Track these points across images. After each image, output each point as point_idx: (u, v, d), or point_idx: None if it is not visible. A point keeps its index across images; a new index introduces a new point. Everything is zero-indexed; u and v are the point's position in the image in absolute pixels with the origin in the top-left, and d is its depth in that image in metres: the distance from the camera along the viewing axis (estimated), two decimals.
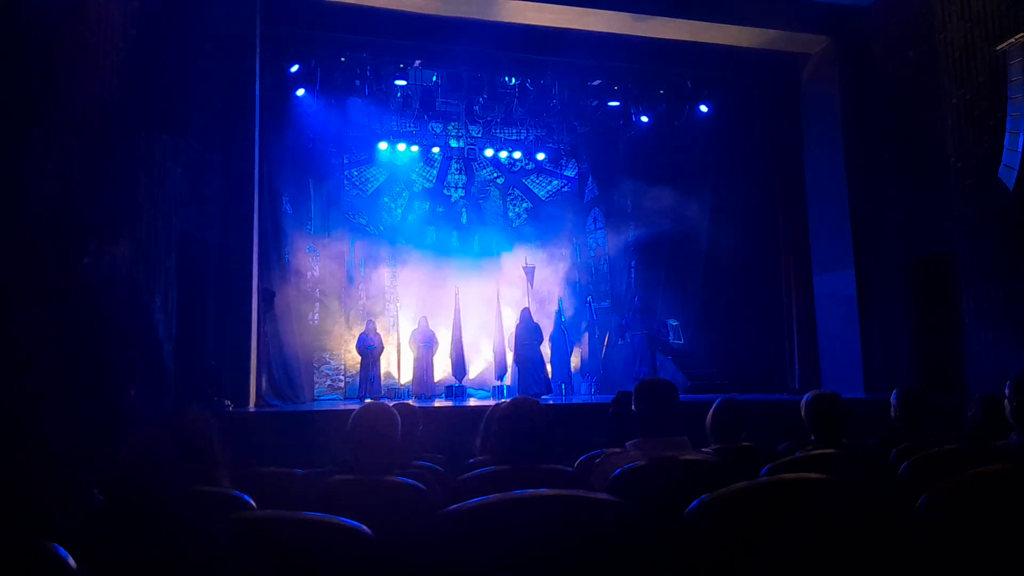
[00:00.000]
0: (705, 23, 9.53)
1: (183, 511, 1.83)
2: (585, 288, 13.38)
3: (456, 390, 11.17)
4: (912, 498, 1.83)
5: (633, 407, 2.82)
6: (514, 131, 13.29)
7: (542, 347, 12.16)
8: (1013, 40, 6.89)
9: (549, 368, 11.99)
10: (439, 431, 4.95)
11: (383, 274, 12.74)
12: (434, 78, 11.44)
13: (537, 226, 13.59)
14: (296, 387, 10.16)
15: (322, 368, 11.95)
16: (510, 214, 13.80)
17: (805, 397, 3.38)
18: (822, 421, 3.26)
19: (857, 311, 9.43)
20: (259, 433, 6.64)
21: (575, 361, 12.68)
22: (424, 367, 11.38)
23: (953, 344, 7.93)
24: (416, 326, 11.72)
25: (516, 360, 10.98)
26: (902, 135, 8.82)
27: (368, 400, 9.55)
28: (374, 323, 11.50)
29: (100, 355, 5.51)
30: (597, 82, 11.30)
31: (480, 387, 12.06)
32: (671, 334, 11.53)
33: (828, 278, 10.10)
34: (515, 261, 12.79)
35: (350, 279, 12.43)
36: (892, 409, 3.55)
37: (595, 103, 11.83)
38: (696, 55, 10.48)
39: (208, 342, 7.94)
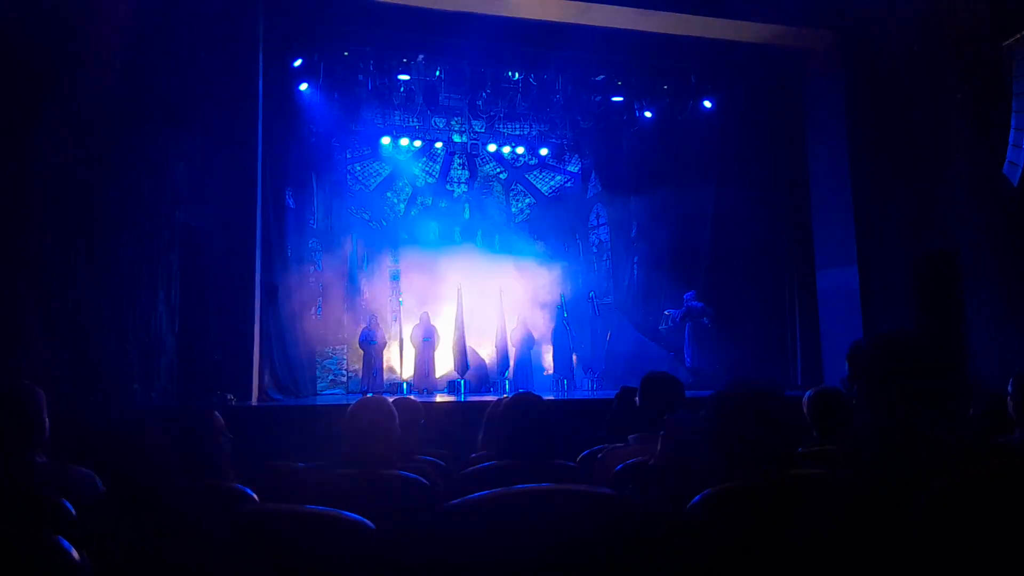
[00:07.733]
0: (709, 18, 9.49)
1: (186, 504, 1.83)
2: (587, 284, 13.36)
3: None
4: (913, 494, 1.83)
5: (637, 401, 2.82)
6: (517, 126, 13.24)
7: (544, 342, 12.18)
8: (1019, 36, 6.86)
9: (551, 363, 12.00)
10: (441, 426, 4.95)
11: (385, 269, 12.72)
12: (437, 72, 11.41)
13: (540, 221, 13.57)
14: (298, 381, 10.15)
15: (324, 362, 11.93)
16: (513, 209, 13.78)
17: (807, 393, 3.38)
18: (824, 417, 3.26)
19: (860, 307, 9.42)
20: (261, 427, 6.66)
21: (577, 357, 12.67)
22: (425, 362, 11.37)
23: (956, 340, 7.91)
24: (417, 321, 11.71)
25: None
26: (906, 130, 8.80)
27: (370, 395, 9.56)
28: (376, 318, 11.50)
29: (104, 349, 5.53)
30: (600, 77, 11.28)
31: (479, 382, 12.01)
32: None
33: (831, 273, 10.08)
34: (517, 256, 12.76)
35: (352, 273, 12.40)
36: None
37: (598, 98, 11.81)
38: (700, 50, 10.46)
39: (210, 336, 7.94)
